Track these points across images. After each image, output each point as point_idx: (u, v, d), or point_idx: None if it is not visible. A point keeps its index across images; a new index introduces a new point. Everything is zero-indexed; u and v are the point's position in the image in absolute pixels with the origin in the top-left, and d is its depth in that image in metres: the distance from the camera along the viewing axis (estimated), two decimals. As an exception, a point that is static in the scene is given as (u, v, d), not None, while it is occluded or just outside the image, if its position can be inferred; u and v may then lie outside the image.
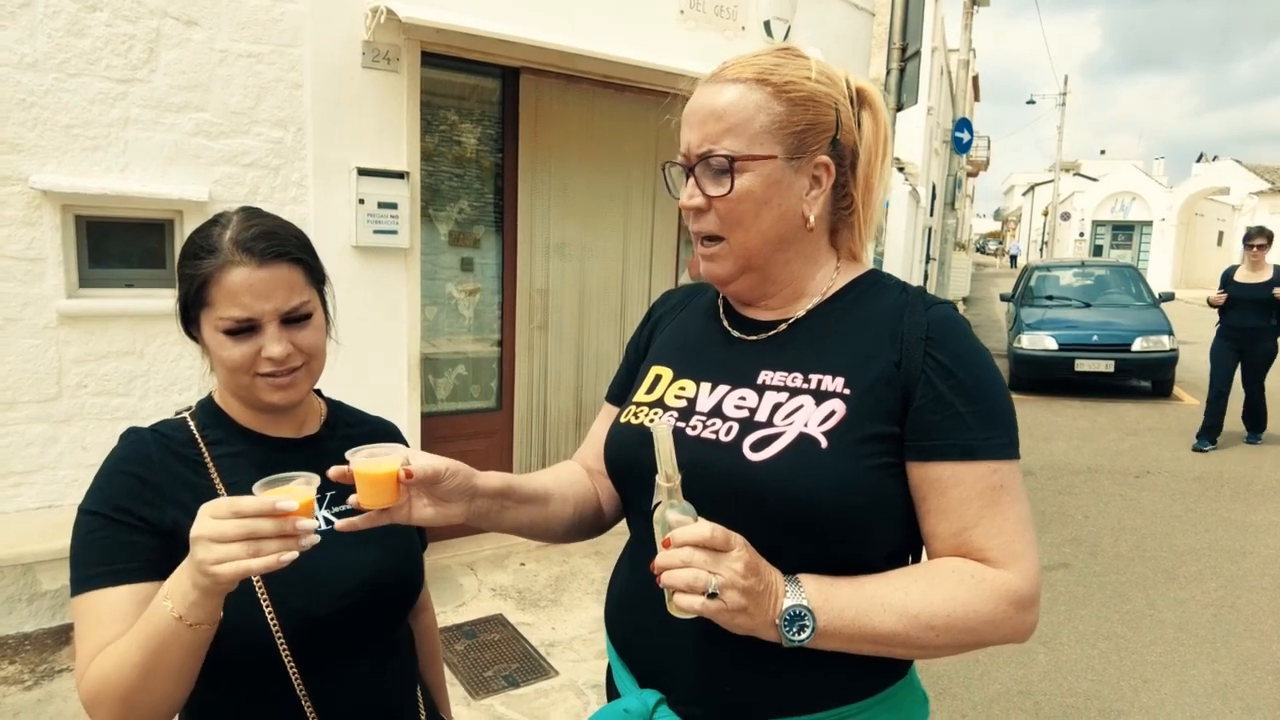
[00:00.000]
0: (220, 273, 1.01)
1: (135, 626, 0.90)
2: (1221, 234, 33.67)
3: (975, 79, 24.65)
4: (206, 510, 0.84)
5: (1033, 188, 43.77)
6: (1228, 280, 6.86)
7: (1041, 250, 36.80)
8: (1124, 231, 33.34)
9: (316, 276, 1.10)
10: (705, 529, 0.81)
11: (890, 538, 0.94)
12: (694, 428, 0.98)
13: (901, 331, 0.94)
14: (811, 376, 0.95)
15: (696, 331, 1.10)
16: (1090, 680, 3.25)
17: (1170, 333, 9.35)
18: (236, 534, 0.82)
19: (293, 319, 1.04)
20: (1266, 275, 6.63)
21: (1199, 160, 34.76)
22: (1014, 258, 40.23)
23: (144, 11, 3.10)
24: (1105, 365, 9.15)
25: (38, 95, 2.95)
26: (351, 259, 3.60)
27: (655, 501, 0.86)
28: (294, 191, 3.47)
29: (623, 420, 1.06)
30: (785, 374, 0.97)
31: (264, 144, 3.39)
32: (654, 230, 4.73)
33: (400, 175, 3.62)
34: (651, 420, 1.01)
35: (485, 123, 4.16)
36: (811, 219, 0.98)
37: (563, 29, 3.91)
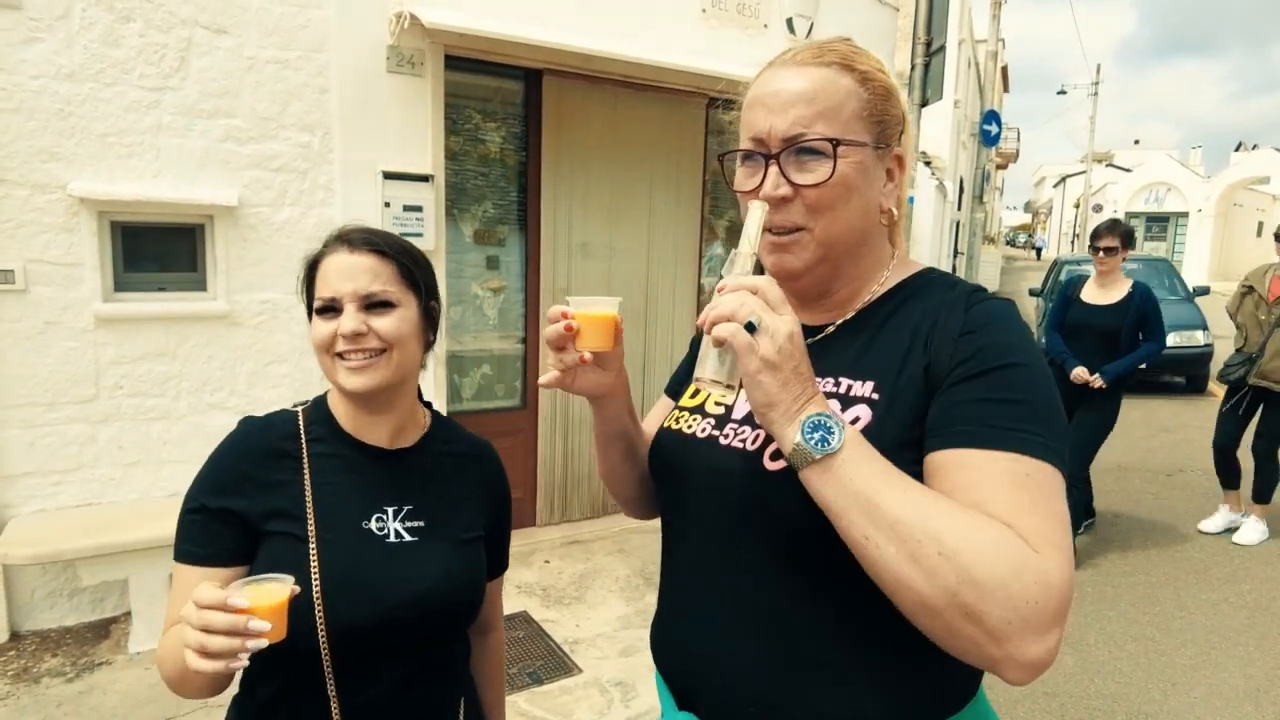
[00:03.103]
0: (321, 260, 1.12)
1: (178, 639, 0.95)
2: (1261, 225, 32.84)
3: (1004, 69, 24.27)
4: (196, 603, 0.87)
5: (1064, 179, 43.02)
6: (1068, 300, 4.42)
7: (1073, 243, 36.18)
8: (1159, 223, 32.66)
9: (414, 280, 1.14)
10: (761, 279, 0.79)
11: None
12: (726, 436, 0.96)
13: (935, 333, 0.88)
14: (843, 381, 0.90)
15: None
16: (1118, 683, 3.22)
17: (1205, 327, 9.16)
18: (195, 623, 0.85)
19: (374, 304, 1.09)
20: (1119, 294, 4.29)
21: (1238, 149, 33.95)
22: (1039, 250, 39.57)
23: (175, 21, 3.17)
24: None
25: (74, 104, 3.03)
26: (378, 261, 3.65)
27: (728, 270, 0.84)
28: (321, 195, 3.53)
29: (666, 425, 1.06)
30: (820, 380, 0.90)
31: (292, 148, 3.45)
32: (677, 229, 4.74)
33: (425, 178, 3.67)
34: (689, 428, 1.01)
35: (509, 123, 4.20)
36: (895, 212, 0.96)
37: (585, 30, 3.93)
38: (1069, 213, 39.88)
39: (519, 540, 4.30)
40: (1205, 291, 10.43)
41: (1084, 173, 33.48)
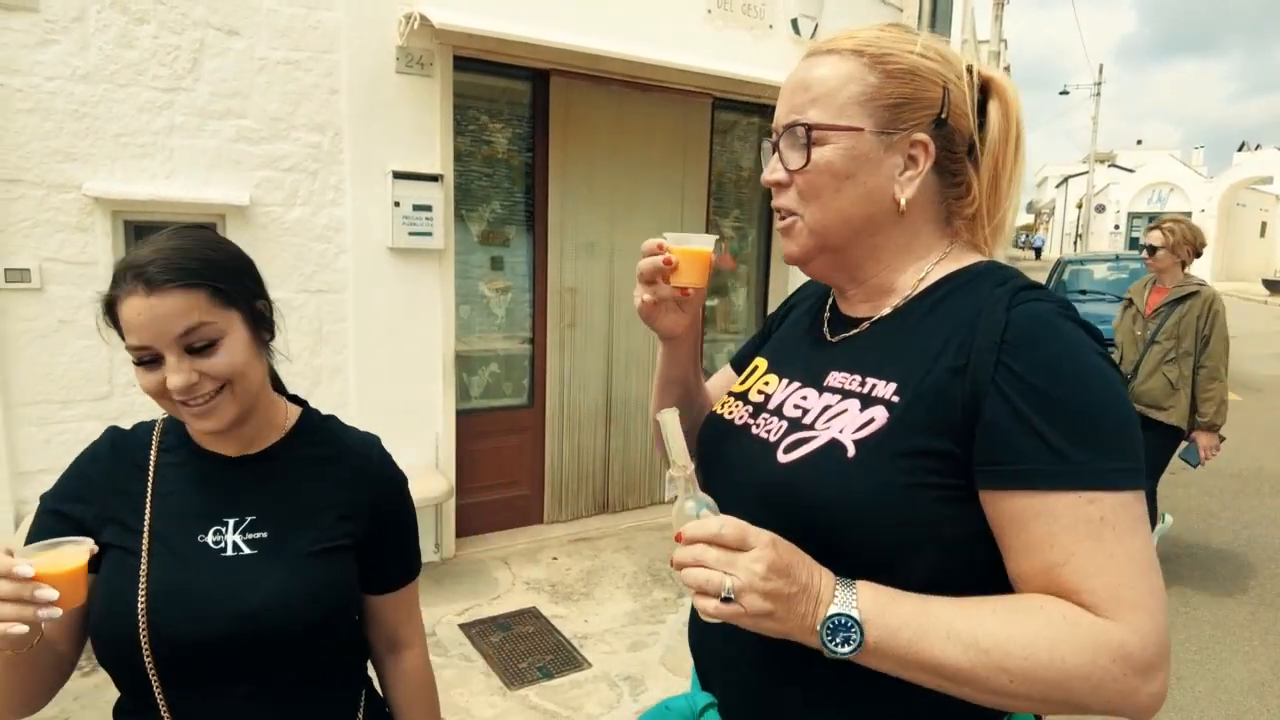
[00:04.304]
0: (118, 302, 0.99)
1: None
2: (1265, 225, 32.84)
3: (1006, 69, 24.22)
4: None
5: (1066, 180, 42.99)
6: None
7: (1075, 244, 36.16)
8: (1161, 223, 32.59)
9: (230, 297, 1.03)
10: (714, 525, 0.74)
11: (922, 566, 0.80)
12: (758, 425, 0.96)
13: (973, 334, 0.81)
14: (868, 380, 0.87)
15: (801, 327, 1.07)
16: (1123, 677, 3.24)
17: (1208, 327, 9.18)
18: None
19: (196, 346, 1.00)
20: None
21: (1240, 149, 33.91)
22: (1038, 250, 39.50)
23: (188, 23, 3.20)
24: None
25: (89, 106, 3.07)
26: (388, 260, 3.69)
27: (671, 494, 0.82)
28: (331, 194, 3.56)
29: (715, 409, 1.07)
30: (847, 375, 0.90)
31: (302, 148, 3.49)
32: (682, 229, 4.76)
33: (434, 178, 3.70)
34: (730, 414, 1.02)
35: (516, 124, 4.23)
36: (903, 201, 0.89)
37: (591, 30, 3.96)
38: (1071, 213, 39.84)
39: (527, 538, 4.35)
40: (1209, 291, 10.43)
41: (1086, 173, 33.47)
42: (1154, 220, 3.76)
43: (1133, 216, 32.85)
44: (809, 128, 0.88)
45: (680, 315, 1.04)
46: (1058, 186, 45.34)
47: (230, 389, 1.02)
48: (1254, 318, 18.48)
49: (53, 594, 0.85)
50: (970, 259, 0.93)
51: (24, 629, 0.83)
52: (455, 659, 3.16)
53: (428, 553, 3.96)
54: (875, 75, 0.88)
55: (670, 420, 0.85)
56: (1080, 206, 35.02)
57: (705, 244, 0.99)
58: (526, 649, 3.26)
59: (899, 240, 0.92)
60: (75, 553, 0.89)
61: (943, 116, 0.89)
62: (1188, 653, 3.42)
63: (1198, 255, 3.81)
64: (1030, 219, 55.18)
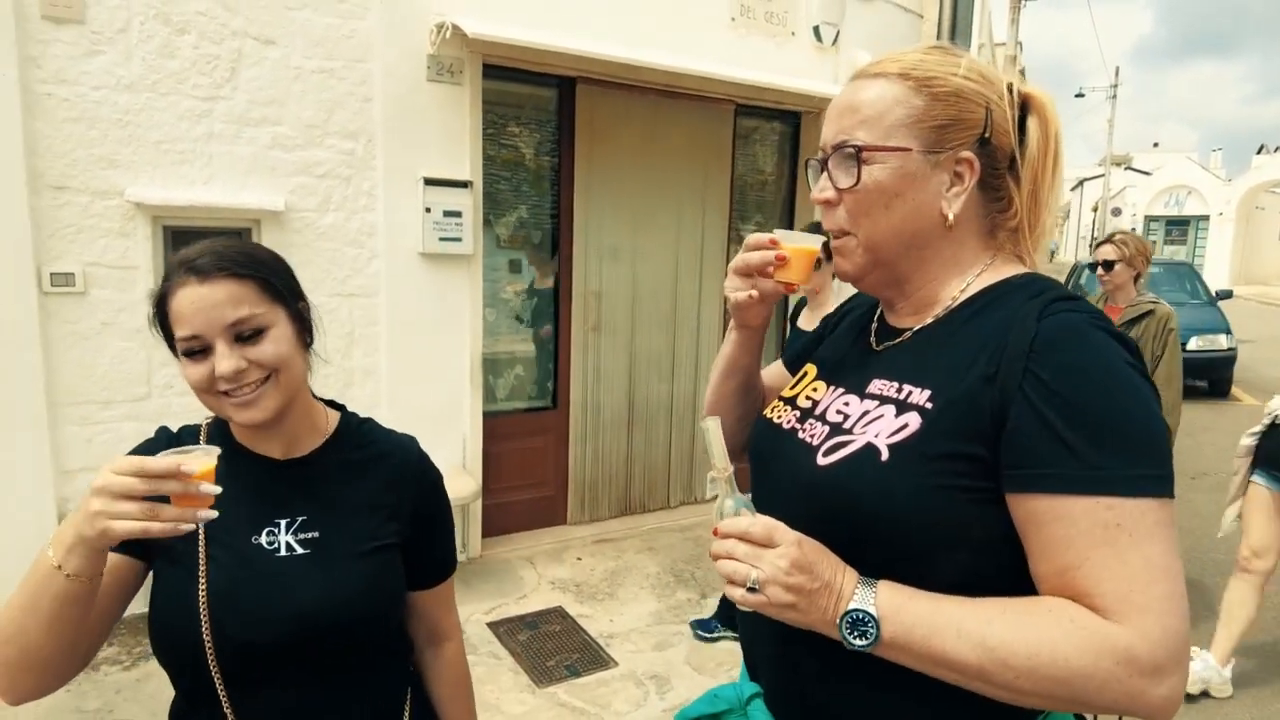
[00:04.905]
0: (170, 294, 1.03)
1: (26, 573, 0.94)
2: (1284, 228, 32.50)
3: (1022, 72, 24.16)
4: (110, 466, 0.86)
5: (1081, 183, 42.71)
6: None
7: (1090, 247, 35.97)
8: (1179, 227, 32.38)
9: (277, 292, 1.07)
10: (744, 522, 0.82)
11: (953, 567, 0.84)
12: (804, 430, 1.00)
13: (1005, 343, 0.84)
14: (905, 387, 0.91)
15: (850, 337, 1.11)
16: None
17: (1228, 331, 9.14)
18: (140, 491, 0.85)
19: (245, 334, 1.03)
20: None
21: (1259, 151, 33.59)
22: (1051, 252, 39.28)
23: (227, 33, 3.28)
24: (1160, 364, 8.97)
25: (132, 114, 3.15)
26: (418, 265, 3.76)
27: (713, 494, 0.89)
28: (364, 200, 3.63)
29: (764, 413, 1.12)
30: (887, 383, 0.94)
31: (336, 155, 3.56)
32: (705, 234, 4.82)
33: (464, 184, 3.77)
34: (779, 418, 1.06)
35: (543, 130, 4.30)
36: (950, 216, 0.93)
37: (617, 38, 4.01)
38: (1087, 216, 39.61)
39: (552, 538, 4.40)
40: (1228, 295, 10.41)
41: (1102, 176, 33.26)
42: (1107, 236, 3.67)
43: (1149, 220, 32.60)
44: (859, 148, 0.92)
45: (766, 308, 1.09)
46: (1073, 189, 45.05)
47: (275, 379, 1.05)
48: (1274, 322, 18.32)
49: (215, 489, 0.89)
50: (1011, 270, 0.96)
51: (191, 525, 0.88)
52: (484, 656, 3.21)
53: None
54: (921, 98, 0.92)
55: (713, 427, 0.91)
56: (1096, 210, 34.81)
57: (814, 243, 1.02)
58: (554, 647, 3.31)
59: (946, 253, 0.96)
60: (207, 459, 0.91)
61: (986, 135, 0.93)
62: (1211, 657, 3.43)
63: (1148, 265, 3.65)
64: (1045, 222, 54.81)
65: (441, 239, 3.72)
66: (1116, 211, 32.51)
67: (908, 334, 0.98)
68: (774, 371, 1.26)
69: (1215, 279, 22.28)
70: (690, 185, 4.70)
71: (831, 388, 1.03)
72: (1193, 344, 9.04)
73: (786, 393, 1.12)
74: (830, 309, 1.25)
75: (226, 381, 1.01)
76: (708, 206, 4.79)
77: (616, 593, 3.84)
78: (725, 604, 3.40)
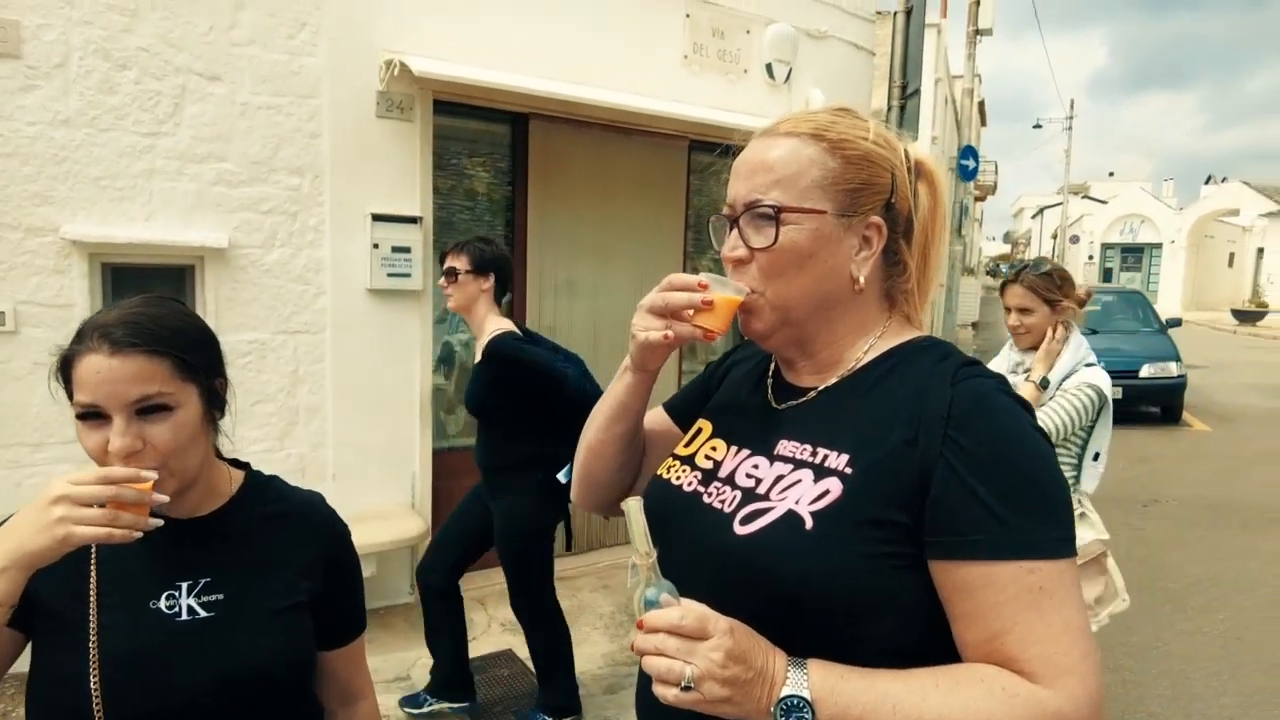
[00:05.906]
0: (77, 359, 0.99)
1: None
2: (1232, 255, 33.57)
3: (981, 104, 24.84)
4: (68, 478, 0.90)
5: (1041, 211, 43.87)
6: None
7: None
8: (1134, 254, 33.36)
9: (191, 369, 1.03)
10: (675, 614, 0.78)
11: (879, 634, 0.83)
12: (709, 494, 0.96)
13: (921, 409, 0.85)
14: (819, 450, 0.90)
15: (744, 392, 1.08)
16: (1096, 714, 3.27)
17: (1178, 359, 9.38)
18: (106, 497, 0.89)
19: (147, 409, 0.99)
20: None
21: (1207, 182, 34.80)
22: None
23: (170, 69, 3.24)
24: (1114, 392, 9.18)
25: (69, 150, 3.09)
26: (366, 302, 3.71)
27: (632, 580, 0.83)
28: (311, 236, 3.59)
29: (659, 473, 1.07)
30: (798, 445, 0.92)
31: (282, 191, 3.52)
32: (659, 266, 4.83)
33: (414, 220, 3.74)
34: (678, 479, 1.02)
35: (496, 165, 4.29)
36: (861, 280, 0.94)
37: (569, 75, 4.04)
38: (1048, 243, 40.57)
39: (503, 578, 4.31)
40: (1178, 323, 10.70)
41: (1061, 204, 34.16)
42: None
43: (1106, 247, 33.53)
44: (777, 209, 0.91)
45: (669, 352, 1.02)
46: (1033, 217, 46.23)
47: (166, 467, 1.01)
48: (1224, 348, 18.83)
49: (164, 498, 0.95)
50: (909, 333, 0.99)
51: (140, 534, 0.92)
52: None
53: (403, 593, 3.94)
54: (835, 160, 0.93)
55: (635, 507, 0.86)
56: (1055, 237, 35.69)
57: (739, 293, 0.96)
58: (502, 694, 3.24)
59: (852, 315, 0.97)
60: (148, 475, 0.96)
61: (891, 200, 0.95)
62: (1160, 688, 3.46)
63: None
64: (1007, 249, 56.09)
65: (390, 274, 3.69)
66: (1075, 239, 33.38)
67: (812, 393, 0.97)
68: (656, 417, 1.20)
69: (1168, 305, 22.91)
70: (645, 219, 4.72)
71: (733, 448, 1.00)
72: (1145, 371, 9.26)
73: (682, 450, 1.07)
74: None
75: (119, 457, 0.98)
76: (663, 239, 4.82)
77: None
78: (439, 670, 3.05)
